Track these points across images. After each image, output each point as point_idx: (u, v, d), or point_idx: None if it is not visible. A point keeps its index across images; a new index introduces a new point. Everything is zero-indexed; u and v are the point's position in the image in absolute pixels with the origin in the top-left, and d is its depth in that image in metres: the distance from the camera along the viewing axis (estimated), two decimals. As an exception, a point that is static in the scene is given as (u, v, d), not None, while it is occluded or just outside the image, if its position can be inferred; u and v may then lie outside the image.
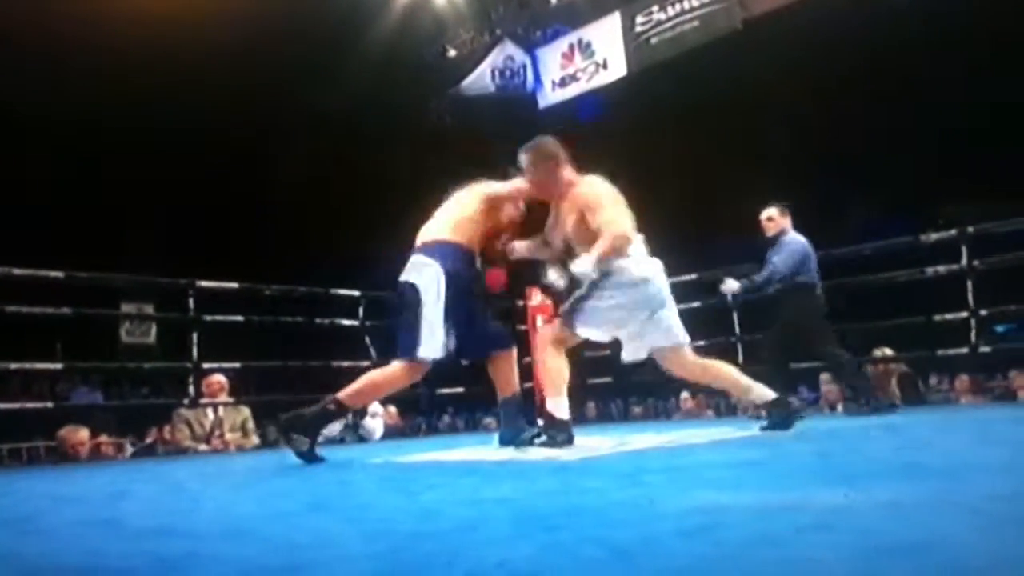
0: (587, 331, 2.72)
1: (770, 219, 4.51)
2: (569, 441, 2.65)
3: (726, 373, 2.90)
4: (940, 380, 6.81)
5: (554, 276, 2.85)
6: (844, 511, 1.07)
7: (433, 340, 2.66)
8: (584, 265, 2.59)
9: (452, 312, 2.67)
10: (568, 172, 2.85)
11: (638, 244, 2.78)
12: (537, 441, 2.73)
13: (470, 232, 2.83)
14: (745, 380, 2.86)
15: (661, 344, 2.80)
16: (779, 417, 2.81)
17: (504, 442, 2.90)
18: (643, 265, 2.75)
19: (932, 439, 2.53)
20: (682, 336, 2.82)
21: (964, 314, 4.54)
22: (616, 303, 2.69)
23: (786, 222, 4.48)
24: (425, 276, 2.70)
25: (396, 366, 2.73)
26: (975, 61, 8.79)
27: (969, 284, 4.50)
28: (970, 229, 4.54)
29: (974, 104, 9.07)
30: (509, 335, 3.11)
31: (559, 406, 2.67)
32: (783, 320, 4.35)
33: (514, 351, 3.01)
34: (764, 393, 2.81)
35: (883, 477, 1.50)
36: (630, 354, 2.85)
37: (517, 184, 2.92)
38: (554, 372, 2.70)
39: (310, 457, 2.61)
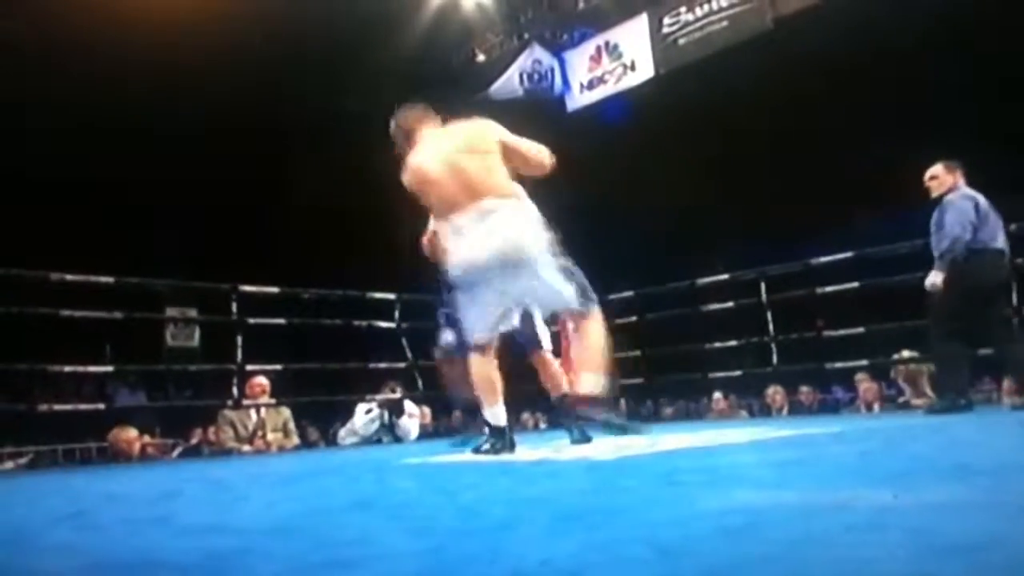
0: (473, 334, 2.68)
1: (934, 177, 3.98)
2: (508, 448, 2.68)
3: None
4: (982, 380, 6.63)
5: None
6: (893, 511, 1.05)
7: None
8: None
9: None
10: None
11: (462, 217, 2.55)
12: (482, 448, 2.77)
13: None
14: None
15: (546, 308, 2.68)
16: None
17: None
18: (458, 253, 2.59)
19: (978, 439, 2.47)
20: (556, 300, 2.62)
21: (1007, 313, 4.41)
22: (459, 299, 2.67)
23: (953, 179, 3.94)
24: None
25: None
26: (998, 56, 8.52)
27: (1013, 283, 4.37)
28: (1012, 226, 4.41)
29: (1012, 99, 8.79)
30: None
31: (493, 414, 2.69)
32: (940, 296, 3.80)
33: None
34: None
35: (930, 477, 1.47)
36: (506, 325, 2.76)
37: None
38: (478, 382, 2.69)
39: None
